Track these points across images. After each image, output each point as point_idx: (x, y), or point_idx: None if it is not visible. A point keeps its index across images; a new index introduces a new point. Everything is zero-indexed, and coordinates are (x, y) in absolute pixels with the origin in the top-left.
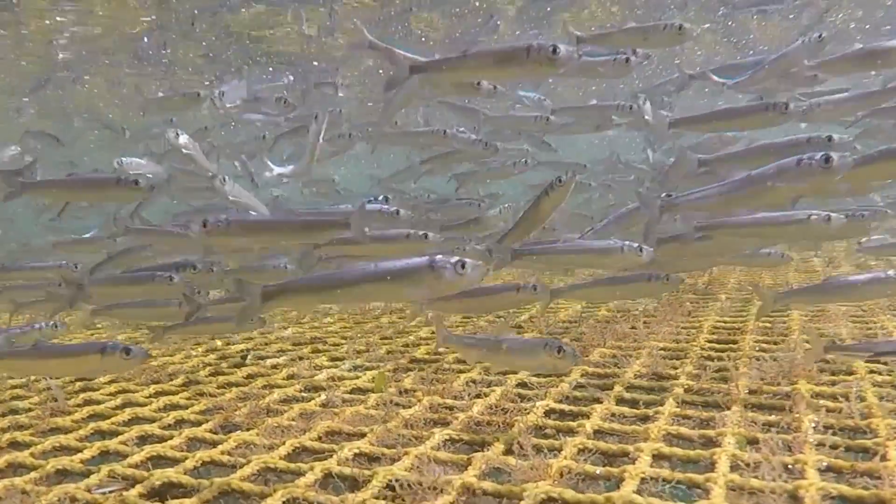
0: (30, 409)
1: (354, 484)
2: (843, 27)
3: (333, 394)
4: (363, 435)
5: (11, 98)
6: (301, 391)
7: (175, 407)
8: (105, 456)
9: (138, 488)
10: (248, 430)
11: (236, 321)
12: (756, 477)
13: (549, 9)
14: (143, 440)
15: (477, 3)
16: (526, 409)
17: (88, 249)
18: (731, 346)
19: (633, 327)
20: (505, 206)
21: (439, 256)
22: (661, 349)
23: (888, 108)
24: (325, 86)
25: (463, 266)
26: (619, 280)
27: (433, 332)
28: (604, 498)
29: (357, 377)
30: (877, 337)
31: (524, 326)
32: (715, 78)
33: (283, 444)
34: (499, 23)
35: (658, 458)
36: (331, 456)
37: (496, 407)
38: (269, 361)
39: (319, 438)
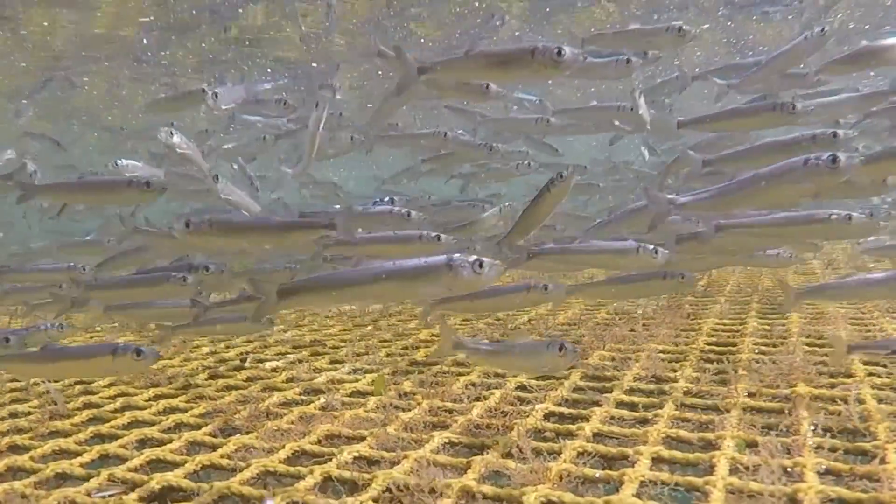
0: (29, 413)
1: (354, 487)
2: (843, 27)
3: (333, 397)
4: (363, 438)
5: (11, 101)
6: (300, 394)
7: (174, 410)
8: (105, 459)
9: (138, 492)
10: (247, 433)
11: (251, 320)
12: (755, 480)
13: (548, 9)
14: (143, 443)
15: (477, 4)
16: (525, 412)
17: (93, 251)
18: (731, 348)
19: (632, 330)
20: (505, 206)
21: (457, 255)
22: (661, 352)
23: (886, 108)
24: (325, 88)
25: (480, 265)
26: (635, 278)
27: (433, 335)
28: (603, 501)
29: (356, 380)
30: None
31: (522, 328)
32: (718, 81)
33: (283, 447)
34: (498, 23)
35: (657, 461)
36: (330, 459)
37: (495, 410)
38: (268, 364)
39: (319, 442)
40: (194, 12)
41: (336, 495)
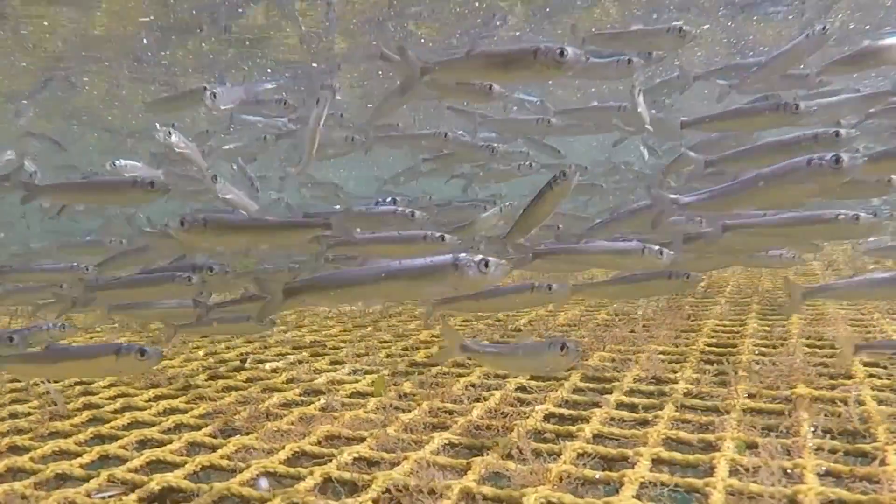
0: (29, 414)
1: (354, 488)
2: (844, 28)
3: (333, 398)
4: (363, 439)
5: (11, 101)
6: (300, 395)
7: (174, 411)
8: (105, 460)
9: (138, 493)
10: (247, 434)
11: (256, 319)
12: (755, 481)
13: (548, 10)
14: (143, 444)
15: (477, 4)
16: (525, 414)
17: (94, 252)
18: (731, 350)
19: (632, 331)
20: (506, 205)
21: (463, 255)
22: (661, 353)
23: (886, 108)
24: (325, 88)
25: (486, 265)
26: (640, 278)
27: (433, 336)
28: (603, 502)
29: (356, 381)
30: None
31: (522, 330)
32: (720, 81)
33: (283, 448)
34: (499, 23)
35: (657, 462)
36: (330, 460)
37: (496, 411)
38: (268, 365)
39: (319, 443)
40: (194, 12)
41: (336, 496)
